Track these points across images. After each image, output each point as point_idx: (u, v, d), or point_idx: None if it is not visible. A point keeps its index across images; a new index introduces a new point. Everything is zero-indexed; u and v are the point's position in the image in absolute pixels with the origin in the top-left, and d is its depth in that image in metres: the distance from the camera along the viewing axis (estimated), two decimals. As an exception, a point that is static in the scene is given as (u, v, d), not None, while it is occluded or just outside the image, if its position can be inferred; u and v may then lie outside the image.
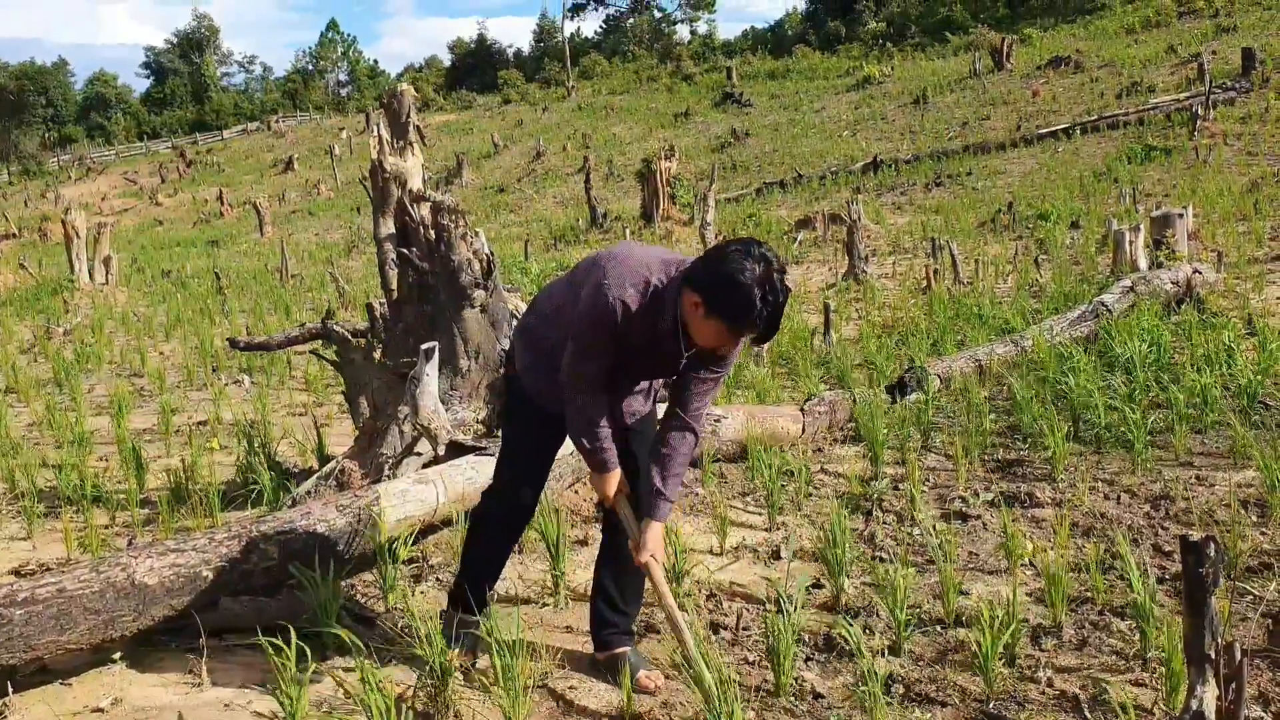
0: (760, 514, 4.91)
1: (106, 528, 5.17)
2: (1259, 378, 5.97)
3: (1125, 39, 37.62)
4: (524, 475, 3.38)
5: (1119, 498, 4.73)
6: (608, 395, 3.09)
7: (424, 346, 4.39)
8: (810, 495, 5.15)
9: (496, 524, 3.44)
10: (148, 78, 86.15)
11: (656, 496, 3.09)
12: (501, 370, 3.70)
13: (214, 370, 10.48)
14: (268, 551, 3.78)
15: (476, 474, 4.33)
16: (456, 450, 4.48)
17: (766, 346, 9.10)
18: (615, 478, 3.12)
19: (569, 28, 75.42)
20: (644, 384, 3.31)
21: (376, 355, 5.46)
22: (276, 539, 3.83)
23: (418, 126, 5.73)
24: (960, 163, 24.61)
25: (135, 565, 3.48)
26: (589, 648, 3.40)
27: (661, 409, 3.29)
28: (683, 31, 77.21)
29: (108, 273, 19.11)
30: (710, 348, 2.89)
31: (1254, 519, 4.31)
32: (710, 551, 4.41)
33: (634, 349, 2.96)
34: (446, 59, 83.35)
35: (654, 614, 3.67)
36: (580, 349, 2.95)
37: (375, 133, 5.61)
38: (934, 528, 4.46)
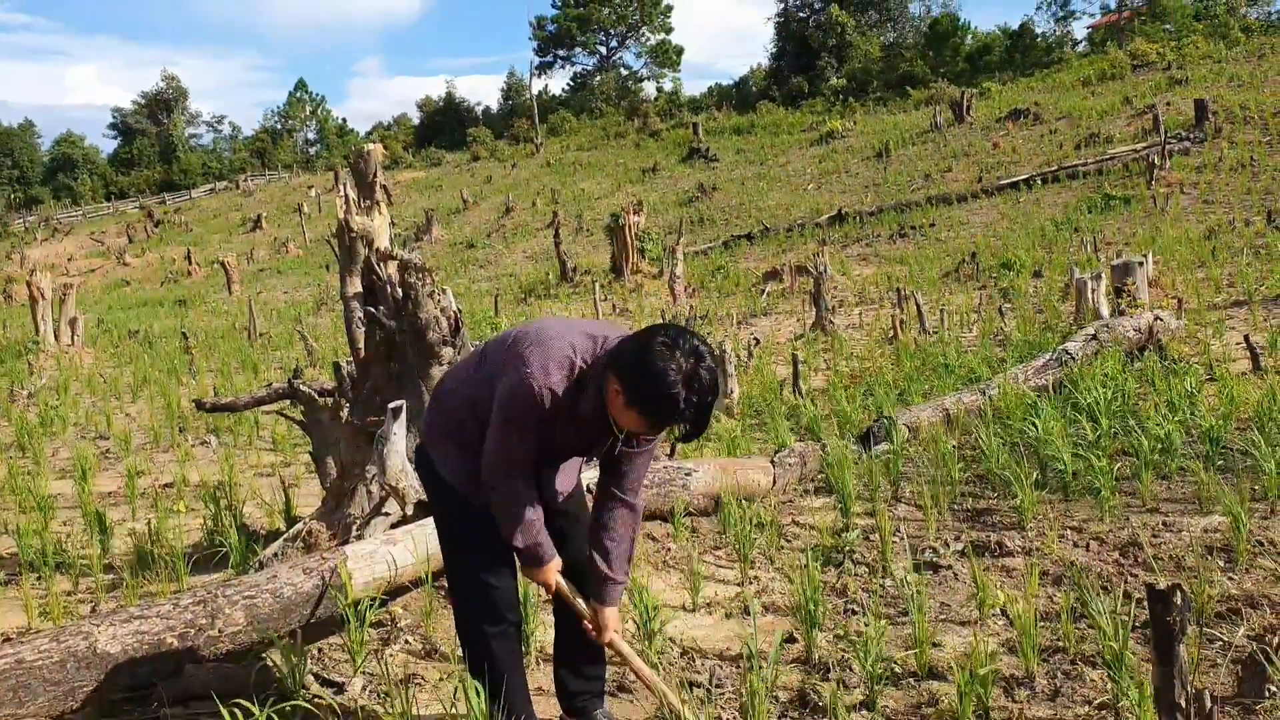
0: (732, 568, 4.89)
1: (69, 595, 5.08)
2: (1221, 423, 6.04)
3: (1082, 91, 38.49)
4: (486, 567, 3.00)
5: (1088, 545, 4.76)
6: (535, 477, 2.92)
7: (391, 405, 4.38)
8: (782, 548, 5.14)
9: (485, 645, 3.00)
10: (115, 138, 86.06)
11: (605, 583, 2.96)
12: (415, 469, 3.45)
13: (181, 431, 10.37)
14: (233, 617, 3.73)
15: (445, 533, 4.30)
16: (425, 510, 4.44)
17: (737, 398, 9.13)
18: (555, 567, 2.95)
19: (536, 85, 76.18)
20: (572, 460, 3.15)
21: (344, 414, 5.43)
22: (242, 603, 3.78)
23: (384, 185, 5.75)
24: (923, 214, 24.97)
25: (97, 633, 3.42)
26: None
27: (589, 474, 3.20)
28: (649, 88, 78.15)
29: (73, 334, 18.94)
30: (637, 432, 2.74)
31: (1221, 564, 4.33)
32: (683, 608, 4.39)
33: (560, 430, 2.80)
34: (415, 117, 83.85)
35: (625, 672, 3.63)
36: (504, 439, 2.77)
37: (341, 192, 5.64)
38: (905, 579, 4.45)
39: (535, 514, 2.88)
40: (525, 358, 2.70)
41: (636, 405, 2.57)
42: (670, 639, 3.97)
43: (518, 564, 2.99)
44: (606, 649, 3.11)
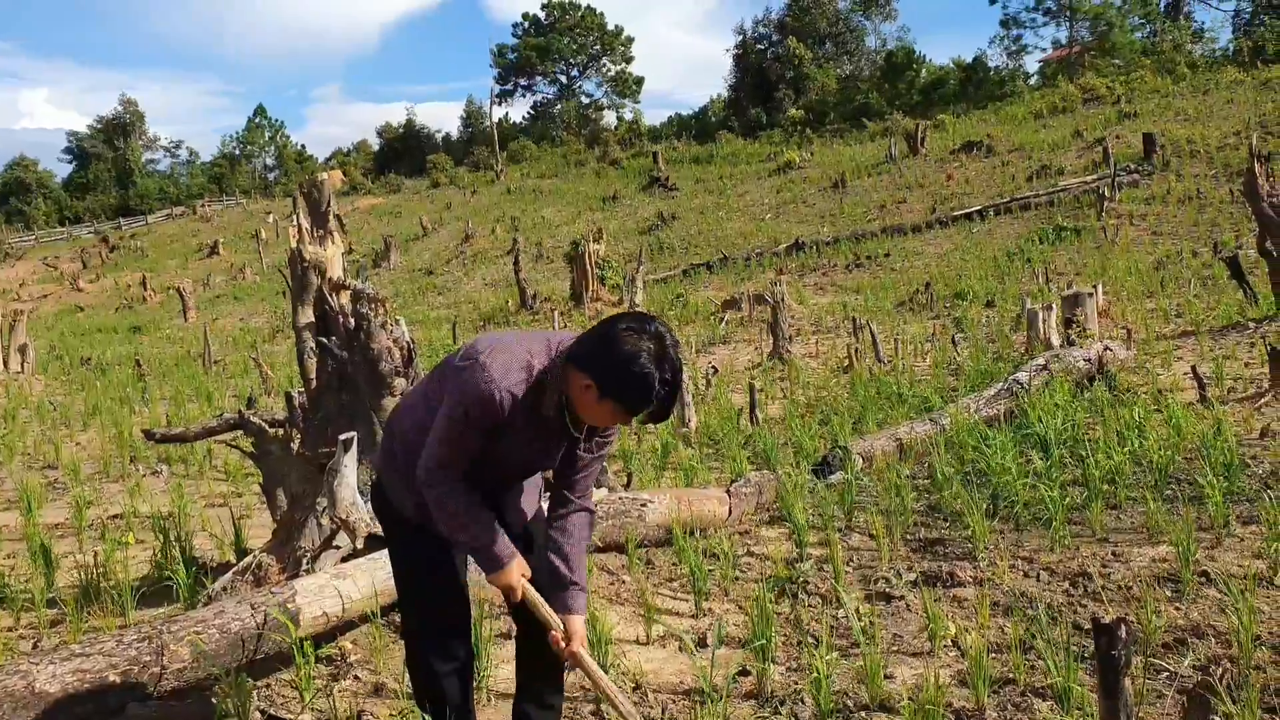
0: (687, 600, 4.88)
1: (10, 630, 4.97)
2: (1169, 453, 6.13)
3: (1034, 124, 39.15)
4: (438, 601, 2.99)
5: (1038, 575, 4.80)
6: (494, 499, 2.91)
7: (342, 437, 4.34)
8: (737, 579, 5.14)
9: (435, 681, 2.99)
10: (70, 163, 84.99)
11: (571, 588, 2.91)
12: (370, 501, 3.40)
13: (132, 461, 10.21)
14: (179, 653, 3.66)
15: (397, 567, 4.26)
16: (376, 543, 4.40)
17: (694, 426, 9.14)
18: (516, 567, 2.86)
19: (497, 113, 76.22)
20: (534, 480, 3.16)
21: (295, 446, 5.37)
22: (189, 639, 3.72)
23: (338, 215, 5.73)
24: (879, 244, 25.23)
25: (36, 672, 3.35)
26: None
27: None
28: (609, 117, 78.62)
29: (23, 361, 18.63)
30: (603, 426, 2.76)
31: (1168, 594, 4.38)
32: (636, 641, 4.37)
33: (519, 436, 2.75)
34: (375, 143, 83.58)
35: (578, 707, 3.60)
36: (450, 434, 2.70)
37: (294, 221, 5.60)
38: (858, 610, 4.47)
39: (485, 512, 2.82)
40: (482, 363, 2.66)
41: (611, 394, 2.57)
42: (623, 673, 3.94)
43: (480, 577, 2.93)
44: (568, 662, 3.02)
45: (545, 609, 2.93)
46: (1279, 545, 4.46)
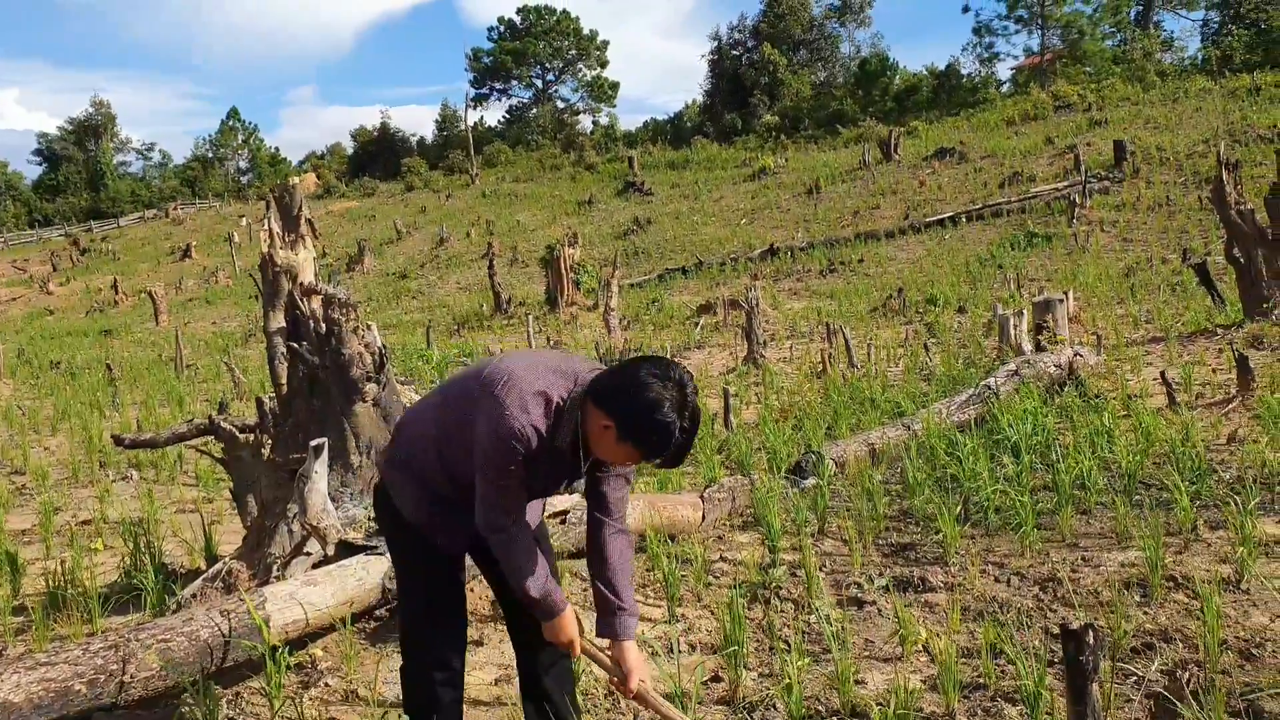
0: (659, 605, 4.88)
1: (-26, 639, 4.90)
2: (1138, 458, 6.19)
3: (1006, 131, 39.47)
4: (440, 609, 3.02)
5: (1009, 580, 4.83)
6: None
7: (313, 443, 4.31)
8: (709, 585, 5.14)
9: (430, 690, 2.99)
10: (40, 164, 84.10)
11: (619, 613, 2.89)
12: (373, 506, 3.39)
13: (101, 466, 10.11)
14: (146, 661, 3.62)
15: (367, 574, 4.24)
16: (347, 550, 4.38)
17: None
18: (571, 618, 2.87)
19: (472, 117, 76.06)
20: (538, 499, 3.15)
21: (266, 452, 5.33)
22: (156, 647, 3.68)
23: (309, 219, 5.69)
24: (852, 250, 25.35)
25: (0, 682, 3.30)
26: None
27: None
28: (585, 122, 78.65)
29: (-11, 365, 18.41)
30: (615, 463, 2.77)
31: (1137, 599, 4.42)
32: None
33: (539, 467, 2.75)
34: (349, 146, 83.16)
35: None
36: (496, 483, 2.71)
37: (266, 226, 5.57)
38: (830, 616, 4.48)
39: (541, 559, 2.84)
40: (501, 400, 2.65)
41: (631, 438, 2.58)
42: (596, 679, 3.94)
43: (538, 623, 2.90)
44: (634, 701, 2.98)
45: (601, 657, 2.92)
46: (1245, 550, 4.51)
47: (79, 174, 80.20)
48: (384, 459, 3.07)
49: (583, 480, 2.91)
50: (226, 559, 4.97)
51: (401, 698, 3.08)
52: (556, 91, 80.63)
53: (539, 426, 2.64)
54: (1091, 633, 2.58)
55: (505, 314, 23.55)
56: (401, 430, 3.06)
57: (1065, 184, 26.96)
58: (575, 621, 2.89)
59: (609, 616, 2.90)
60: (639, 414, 2.55)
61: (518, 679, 3.28)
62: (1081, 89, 43.56)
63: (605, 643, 2.94)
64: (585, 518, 2.99)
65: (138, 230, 60.34)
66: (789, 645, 4.18)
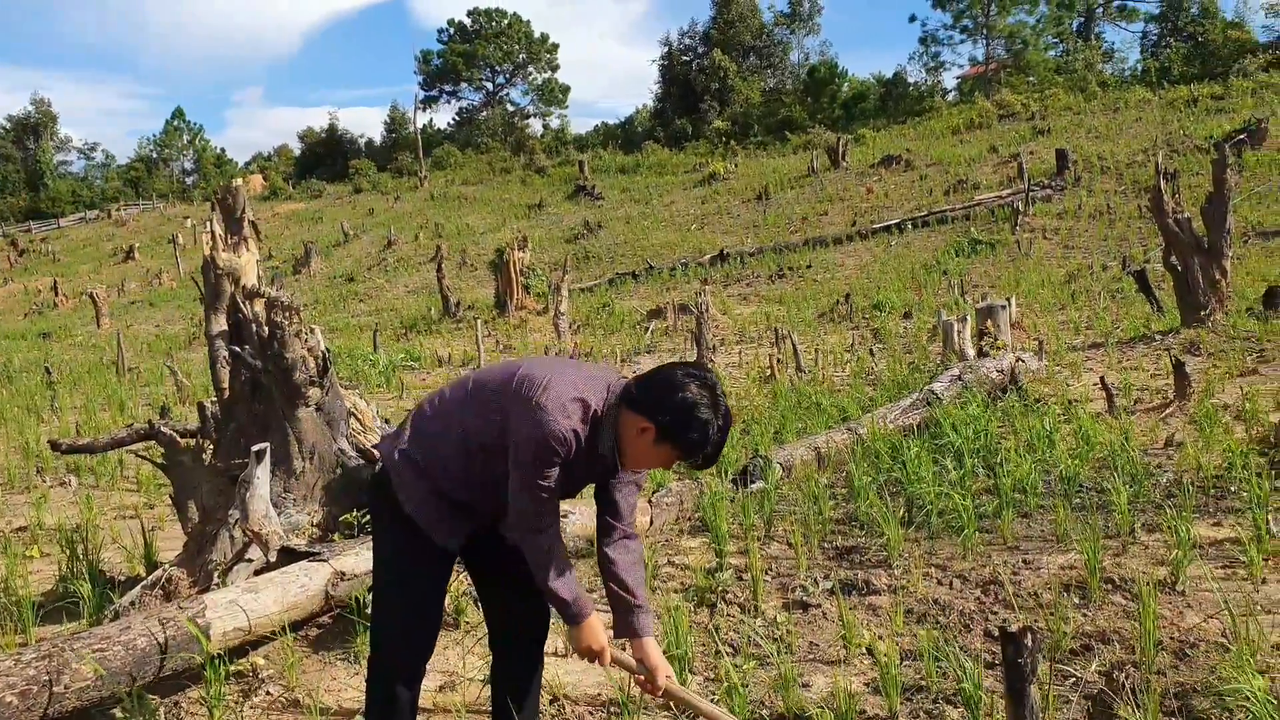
0: (605, 610, 4.86)
1: (-99, 650, 4.77)
2: (1078, 462, 6.29)
3: (951, 139, 40.04)
4: (421, 614, 3.03)
5: (951, 583, 4.88)
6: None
7: (255, 448, 4.26)
8: (656, 589, 5.14)
9: (393, 695, 3.00)
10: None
11: (636, 611, 2.93)
12: (367, 502, 3.35)
13: (39, 471, 9.90)
14: (81, 672, 3.55)
15: (310, 581, 4.19)
16: (290, 556, 4.33)
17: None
18: (599, 623, 2.89)
19: (421, 119, 75.56)
20: None
21: (207, 457, 5.25)
22: (92, 657, 3.60)
23: (253, 221, 5.62)
24: (801, 256, 25.55)
25: (-74, 694, 3.21)
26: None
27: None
28: (535, 125, 78.47)
29: (-79, 368, 17.93)
30: (647, 468, 2.84)
31: (1076, 601, 4.49)
32: (555, 653, 4.34)
33: (575, 472, 2.80)
34: (297, 148, 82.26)
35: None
36: (533, 485, 2.72)
37: (208, 228, 5.49)
38: (775, 619, 4.50)
39: (571, 565, 2.88)
40: (541, 404, 2.68)
41: (670, 438, 2.65)
42: (541, 685, 3.92)
43: (565, 637, 2.94)
44: (663, 699, 3.01)
45: (625, 659, 2.96)
46: (1181, 552, 4.60)
47: (17, 173, 78.55)
48: (392, 450, 3.00)
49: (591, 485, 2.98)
50: (166, 566, 4.89)
51: (366, 703, 3.06)
52: (507, 94, 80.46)
53: (579, 431, 2.70)
54: (1030, 635, 2.62)
55: (454, 318, 23.41)
56: (418, 426, 3.01)
57: (1009, 192, 27.40)
58: (602, 629, 2.91)
59: (627, 615, 2.93)
60: (678, 414, 2.63)
61: (490, 687, 3.30)
62: (1025, 98, 44.33)
63: (624, 643, 2.98)
64: (595, 523, 3.04)
65: (79, 231, 59.23)
66: (735, 649, 4.20)
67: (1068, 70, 52.35)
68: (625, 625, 2.95)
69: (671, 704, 3.18)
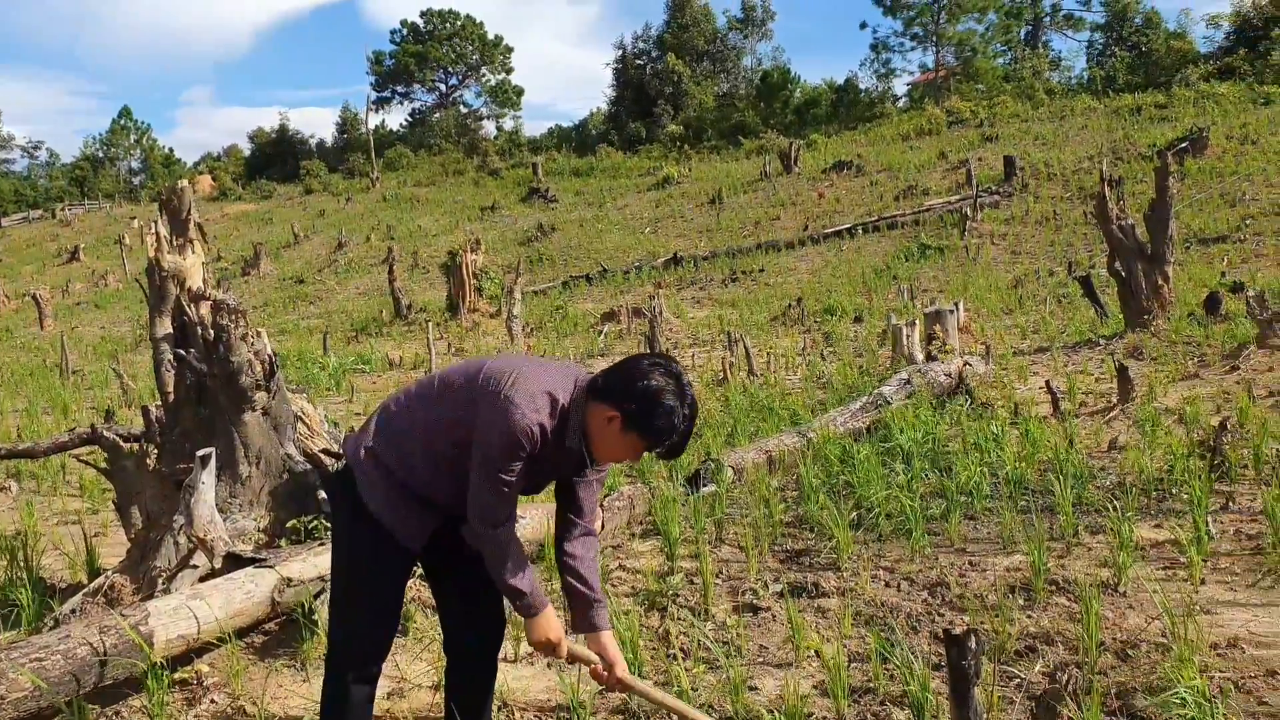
0: (559, 616, 4.85)
1: None
2: (1024, 465, 6.38)
3: (902, 145, 40.44)
4: (379, 622, 3.02)
5: (899, 585, 4.93)
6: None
7: (200, 452, 4.20)
8: (607, 593, 5.13)
9: (345, 695, 2.99)
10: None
11: (595, 605, 2.96)
12: (326, 500, 3.33)
13: (-25, 477, 9.67)
14: (18, 682, 3.47)
15: (256, 587, 4.13)
16: (235, 562, 4.27)
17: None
18: (554, 615, 2.92)
19: (373, 120, 74.83)
20: None
21: (151, 462, 5.17)
22: (30, 666, 3.53)
23: (199, 223, 5.55)
24: (754, 260, 25.68)
25: None
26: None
27: None
28: (489, 127, 78.04)
29: None
30: (616, 461, 2.84)
31: (1021, 602, 4.55)
32: (504, 659, 4.32)
33: (541, 466, 2.81)
34: (247, 148, 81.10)
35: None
36: (495, 480, 2.72)
37: (153, 230, 5.41)
38: (725, 622, 4.52)
39: (527, 559, 2.90)
40: (509, 397, 2.69)
41: (637, 427, 2.68)
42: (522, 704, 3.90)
43: (523, 630, 2.98)
44: (616, 690, 3.04)
45: (582, 651, 2.98)
46: (1123, 554, 4.68)
47: (-43, 172, 76.85)
48: (357, 448, 2.99)
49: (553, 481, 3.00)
50: (109, 573, 4.80)
51: (321, 701, 3.06)
52: (460, 96, 79.91)
53: (545, 425, 2.71)
54: (973, 638, 2.65)
55: (406, 320, 23.24)
56: (384, 424, 3.00)
57: (958, 197, 27.73)
58: (558, 621, 2.93)
59: (587, 610, 2.97)
60: (644, 401, 2.66)
61: (444, 693, 3.31)
62: (974, 105, 44.89)
63: (582, 637, 3.01)
64: (555, 519, 3.06)
65: (22, 231, 57.97)
66: (685, 653, 4.21)
67: (1016, 78, 53.05)
68: (584, 620, 2.97)
69: (628, 696, 3.19)
